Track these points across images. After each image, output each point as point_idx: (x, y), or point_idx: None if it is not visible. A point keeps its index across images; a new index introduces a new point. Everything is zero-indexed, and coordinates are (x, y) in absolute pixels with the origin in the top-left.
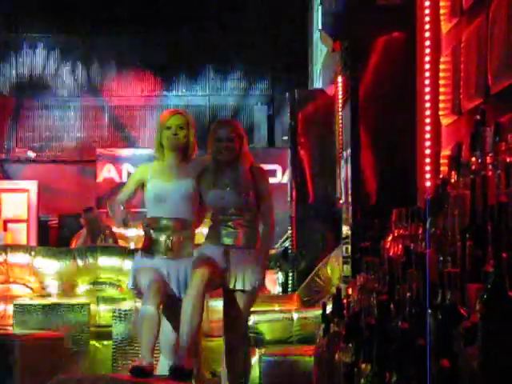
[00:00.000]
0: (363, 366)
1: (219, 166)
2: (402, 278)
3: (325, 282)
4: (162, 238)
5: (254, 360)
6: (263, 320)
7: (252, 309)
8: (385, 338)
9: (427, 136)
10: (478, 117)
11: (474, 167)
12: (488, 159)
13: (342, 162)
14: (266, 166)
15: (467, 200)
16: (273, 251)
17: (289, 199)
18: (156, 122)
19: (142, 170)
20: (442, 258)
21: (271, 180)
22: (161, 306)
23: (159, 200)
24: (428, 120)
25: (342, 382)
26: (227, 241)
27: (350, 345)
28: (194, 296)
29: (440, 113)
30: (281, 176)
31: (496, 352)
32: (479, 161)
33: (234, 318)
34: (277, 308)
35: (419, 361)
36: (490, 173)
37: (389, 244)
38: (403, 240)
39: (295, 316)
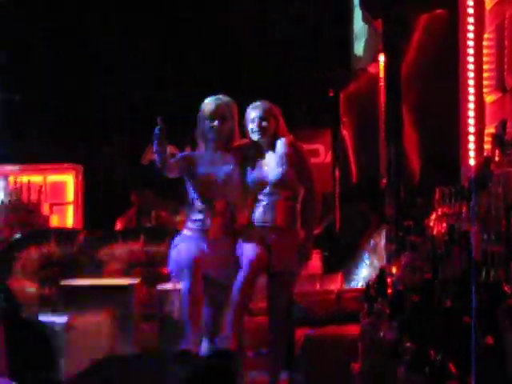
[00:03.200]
0: (407, 343)
1: (258, 148)
2: (445, 257)
3: (369, 261)
4: (203, 218)
5: (298, 339)
6: (307, 300)
7: (296, 288)
8: (429, 315)
9: (471, 114)
10: None
11: None
12: None
13: (385, 141)
14: (309, 146)
15: (511, 178)
16: (316, 230)
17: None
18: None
19: (187, 156)
20: (486, 237)
21: (314, 160)
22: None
23: (202, 185)
24: (472, 98)
25: (386, 360)
26: (266, 221)
27: (394, 323)
28: (245, 278)
29: (484, 90)
30: (324, 156)
31: None
32: None
33: (277, 298)
34: (320, 288)
35: (464, 338)
36: None
37: (432, 222)
38: (447, 218)
39: (339, 295)
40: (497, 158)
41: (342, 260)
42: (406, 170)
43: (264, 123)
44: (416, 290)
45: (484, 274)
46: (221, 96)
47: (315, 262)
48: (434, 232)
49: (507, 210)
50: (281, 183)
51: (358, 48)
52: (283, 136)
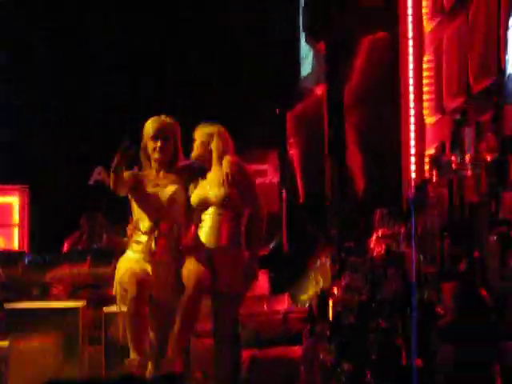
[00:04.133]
0: (345, 365)
1: (202, 168)
2: (383, 278)
3: (315, 281)
4: (147, 239)
5: (244, 360)
6: (254, 320)
7: (242, 309)
8: (365, 337)
9: (412, 135)
10: (458, 116)
11: (454, 166)
12: (467, 158)
13: (330, 162)
14: (259, 167)
15: (445, 199)
16: (264, 251)
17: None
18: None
19: (135, 174)
20: (422, 258)
21: (262, 180)
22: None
23: (146, 205)
24: (413, 119)
25: (325, 381)
26: (210, 241)
27: (333, 344)
28: (189, 299)
29: (424, 112)
30: (272, 176)
31: (469, 349)
32: (459, 160)
33: (223, 319)
34: (267, 308)
35: (398, 359)
36: (469, 172)
37: (373, 244)
38: (386, 240)
39: (286, 316)
40: (434, 180)
41: (289, 280)
42: (349, 191)
43: (209, 144)
44: (353, 311)
45: (418, 295)
46: (163, 116)
47: (262, 282)
48: (374, 253)
49: (441, 231)
50: (224, 203)
51: (305, 69)
52: (227, 156)
